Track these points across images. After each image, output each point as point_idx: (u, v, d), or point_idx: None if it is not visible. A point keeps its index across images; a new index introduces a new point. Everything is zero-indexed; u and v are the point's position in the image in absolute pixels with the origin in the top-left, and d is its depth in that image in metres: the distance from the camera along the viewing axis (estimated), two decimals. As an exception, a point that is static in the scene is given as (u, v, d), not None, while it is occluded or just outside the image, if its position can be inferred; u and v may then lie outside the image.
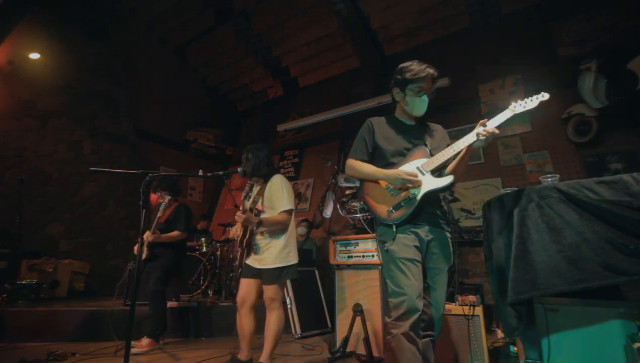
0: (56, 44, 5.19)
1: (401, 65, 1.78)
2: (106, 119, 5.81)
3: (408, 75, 1.71)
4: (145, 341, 3.04)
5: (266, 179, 2.51)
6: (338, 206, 4.84)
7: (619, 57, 3.96)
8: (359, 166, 1.79)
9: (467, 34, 5.39)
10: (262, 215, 2.40)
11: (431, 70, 1.71)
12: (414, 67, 1.72)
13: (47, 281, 4.37)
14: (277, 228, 2.39)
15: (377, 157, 1.81)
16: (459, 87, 4.93)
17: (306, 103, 7.08)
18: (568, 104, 4.29)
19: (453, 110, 5.02)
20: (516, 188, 1.81)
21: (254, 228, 2.39)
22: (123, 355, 1.72)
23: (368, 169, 1.77)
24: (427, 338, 1.67)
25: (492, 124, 1.58)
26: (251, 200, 2.54)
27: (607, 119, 4.03)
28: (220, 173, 2.43)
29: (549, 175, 1.82)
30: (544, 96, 1.58)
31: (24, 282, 4.00)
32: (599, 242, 1.48)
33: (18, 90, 4.88)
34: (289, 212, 2.39)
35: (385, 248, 1.65)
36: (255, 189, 2.57)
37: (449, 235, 1.74)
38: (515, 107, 1.60)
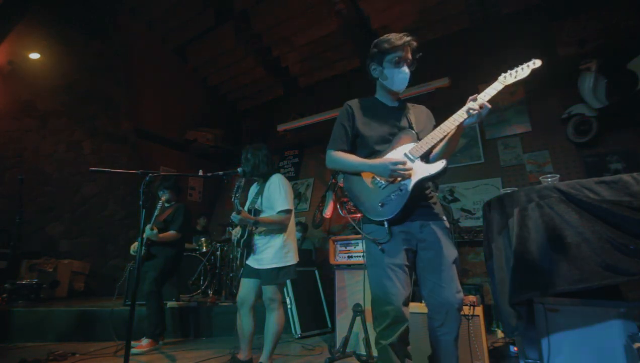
0: (56, 44, 5.19)
1: (376, 40, 1.65)
2: (106, 119, 5.81)
3: (385, 45, 1.59)
4: (145, 341, 3.04)
5: (265, 178, 2.51)
6: (338, 206, 4.85)
7: (619, 57, 3.96)
8: (341, 157, 1.61)
9: (467, 34, 5.39)
10: (261, 215, 2.40)
11: (408, 38, 1.58)
12: (390, 36, 1.60)
13: (47, 281, 4.37)
14: (275, 228, 2.38)
15: (360, 145, 1.64)
16: (459, 87, 4.93)
17: (306, 103, 7.07)
18: (568, 104, 4.29)
19: (453, 110, 5.01)
20: (516, 189, 1.81)
21: (253, 228, 2.39)
22: (123, 355, 1.72)
23: (351, 160, 1.59)
24: (446, 338, 1.45)
25: (483, 98, 1.45)
26: (250, 199, 2.54)
27: (607, 119, 4.02)
28: (220, 173, 2.43)
29: (549, 175, 1.82)
30: (536, 63, 1.50)
31: (24, 282, 4.00)
32: (599, 242, 1.48)
33: (18, 90, 4.88)
34: (286, 211, 2.38)
35: (380, 247, 1.48)
36: (255, 189, 2.58)
37: (446, 224, 1.56)
38: (505, 77, 1.52)
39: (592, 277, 1.45)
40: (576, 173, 4.12)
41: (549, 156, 4.37)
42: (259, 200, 2.46)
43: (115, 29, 6.06)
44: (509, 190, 1.89)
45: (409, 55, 1.60)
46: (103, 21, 5.88)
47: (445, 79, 5.01)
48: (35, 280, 4.11)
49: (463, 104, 1.50)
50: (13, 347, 3.07)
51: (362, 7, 5.39)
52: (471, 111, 1.43)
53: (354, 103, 1.72)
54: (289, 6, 5.62)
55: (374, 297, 1.49)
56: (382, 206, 1.48)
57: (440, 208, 1.60)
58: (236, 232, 2.49)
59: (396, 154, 1.53)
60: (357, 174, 1.59)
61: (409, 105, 1.75)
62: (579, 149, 4.23)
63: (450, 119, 1.50)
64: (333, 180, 5.20)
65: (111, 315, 3.35)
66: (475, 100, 1.45)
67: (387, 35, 1.62)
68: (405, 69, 1.59)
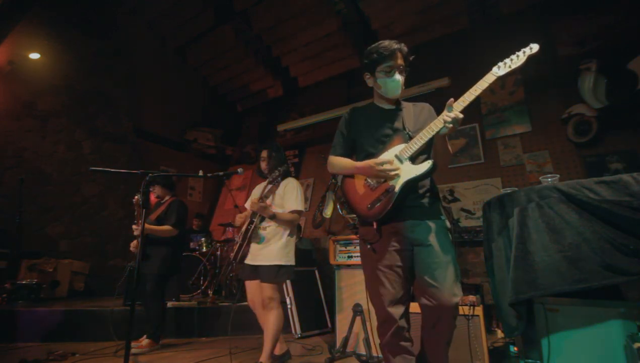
0: (56, 44, 5.19)
1: (366, 50, 1.63)
2: (106, 119, 5.80)
3: (374, 55, 1.57)
4: (145, 341, 3.04)
5: (283, 177, 2.53)
6: (338, 206, 4.85)
7: (619, 57, 3.95)
8: (336, 161, 1.68)
9: (467, 34, 5.38)
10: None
11: (397, 46, 1.56)
12: (379, 45, 1.57)
13: (47, 281, 4.37)
14: (284, 226, 2.43)
15: (357, 149, 1.69)
16: (459, 87, 4.92)
17: (306, 103, 7.07)
18: (568, 104, 4.29)
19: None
20: (516, 189, 1.81)
21: (257, 222, 2.42)
22: (123, 355, 1.72)
23: (343, 163, 1.65)
24: (437, 341, 1.47)
25: (459, 106, 1.43)
26: (259, 196, 2.56)
27: (607, 119, 4.02)
28: (220, 173, 2.45)
29: (549, 175, 1.82)
30: (532, 48, 1.43)
31: (24, 282, 3.99)
32: (599, 242, 1.48)
33: (18, 90, 4.88)
34: (298, 212, 2.45)
35: (369, 248, 1.52)
36: (267, 187, 2.59)
37: (444, 223, 1.53)
38: (499, 67, 1.49)
39: (592, 277, 1.45)
40: (576, 173, 4.12)
41: (549, 156, 4.37)
42: (271, 197, 2.49)
43: (115, 29, 6.06)
44: (509, 190, 1.89)
45: (400, 62, 1.58)
46: (103, 21, 5.88)
47: (445, 79, 5.01)
48: (35, 280, 4.11)
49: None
50: (13, 347, 3.07)
51: (362, 7, 5.39)
52: (447, 124, 1.40)
53: (352, 110, 1.77)
54: (289, 6, 5.62)
55: (370, 297, 1.58)
56: (370, 207, 1.49)
57: (437, 208, 1.57)
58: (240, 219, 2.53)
59: (387, 155, 1.52)
60: (351, 177, 1.62)
61: (409, 105, 1.71)
62: (579, 149, 4.22)
63: (432, 123, 1.46)
64: (333, 181, 5.21)
65: (111, 315, 3.35)
66: (451, 106, 1.41)
67: (376, 43, 1.60)
68: (397, 77, 1.58)
